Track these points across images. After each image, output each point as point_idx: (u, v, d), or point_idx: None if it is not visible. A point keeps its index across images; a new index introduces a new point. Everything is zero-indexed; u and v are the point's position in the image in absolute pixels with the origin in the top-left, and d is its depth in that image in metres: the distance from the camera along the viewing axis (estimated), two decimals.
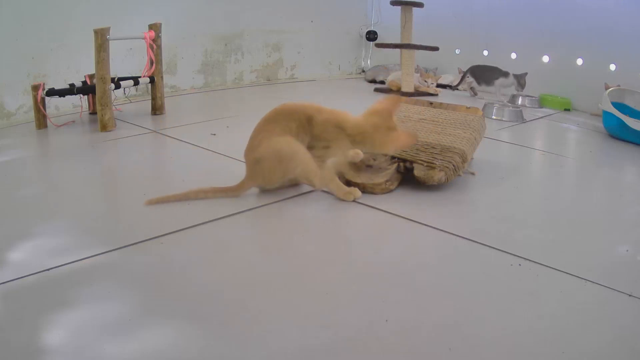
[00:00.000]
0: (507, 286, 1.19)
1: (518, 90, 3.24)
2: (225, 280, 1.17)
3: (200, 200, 1.56)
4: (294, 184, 1.70)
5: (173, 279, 1.17)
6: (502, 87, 3.27)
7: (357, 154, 1.61)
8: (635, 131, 2.46)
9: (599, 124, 2.73)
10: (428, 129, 1.86)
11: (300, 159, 1.55)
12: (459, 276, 1.24)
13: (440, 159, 1.68)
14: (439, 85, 3.72)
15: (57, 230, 1.40)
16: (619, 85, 2.78)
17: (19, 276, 1.14)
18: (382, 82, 3.87)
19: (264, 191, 1.65)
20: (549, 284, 1.20)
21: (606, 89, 2.86)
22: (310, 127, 1.57)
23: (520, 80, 3.21)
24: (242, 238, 1.41)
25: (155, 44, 2.56)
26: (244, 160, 1.63)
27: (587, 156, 2.36)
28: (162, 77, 2.64)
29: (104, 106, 2.29)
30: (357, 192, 1.62)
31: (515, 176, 1.96)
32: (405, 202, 1.63)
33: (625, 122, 2.49)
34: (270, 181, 1.61)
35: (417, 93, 3.40)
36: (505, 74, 3.24)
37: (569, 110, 3.30)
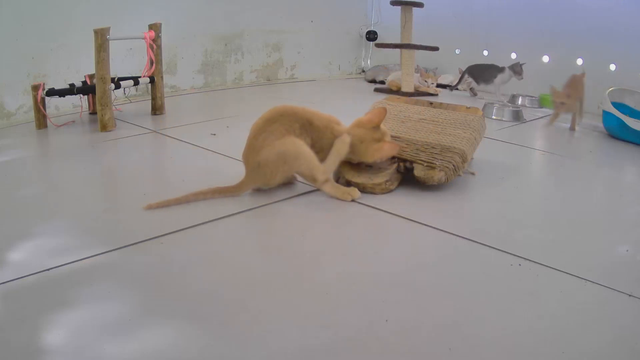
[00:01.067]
0: (507, 286, 1.19)
1: (519, 80, 3.23)
2: (225, 280, 1.17)
3: (200, 200, 1.56)
4: (289, 183, 1.71)
5: (173, 279, 1.17)
6: (502, 84, 3.27)
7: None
8: (635, 131, 2.46)
9: (599, 123, 2.73)
10: (428, 129, 1.86)
11: (305, 157, 1.56)
12: (459, 276, 1.24)
13: (440, 159, 1.68)
14: (439, 85, 3.72)
15: (57, 230, 1.40)
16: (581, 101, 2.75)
17: (19, 276, 1.14)
18: (382, 82, 3.87)
19: (263, 191, 1.65)
20: (549, 284, 1.20)
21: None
22: (310, 131, 1.60)
23: (515, 68, 3.21)
24: (242, 238, 1.41)
25: (155, 44, 2.56)
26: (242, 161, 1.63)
27: (587, 156, 2.36)
28: (162, 77, 2.65)
29: (104, 106, 2.29)
30: (355, 192, 1.62)
31: (515, 176, 1.96)
32: (405, 202, 1.63)
33: (625, 122, 2.49)
34: (273, 182, 1.61)
35: (417, 93, 3.40)
36: (502, 70, 3.25)
37: None
